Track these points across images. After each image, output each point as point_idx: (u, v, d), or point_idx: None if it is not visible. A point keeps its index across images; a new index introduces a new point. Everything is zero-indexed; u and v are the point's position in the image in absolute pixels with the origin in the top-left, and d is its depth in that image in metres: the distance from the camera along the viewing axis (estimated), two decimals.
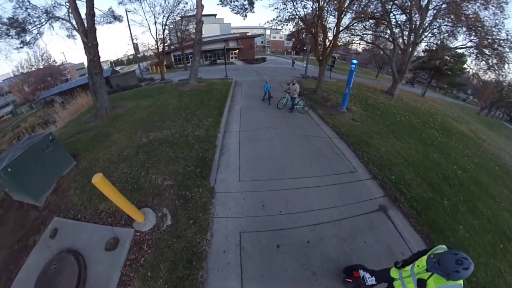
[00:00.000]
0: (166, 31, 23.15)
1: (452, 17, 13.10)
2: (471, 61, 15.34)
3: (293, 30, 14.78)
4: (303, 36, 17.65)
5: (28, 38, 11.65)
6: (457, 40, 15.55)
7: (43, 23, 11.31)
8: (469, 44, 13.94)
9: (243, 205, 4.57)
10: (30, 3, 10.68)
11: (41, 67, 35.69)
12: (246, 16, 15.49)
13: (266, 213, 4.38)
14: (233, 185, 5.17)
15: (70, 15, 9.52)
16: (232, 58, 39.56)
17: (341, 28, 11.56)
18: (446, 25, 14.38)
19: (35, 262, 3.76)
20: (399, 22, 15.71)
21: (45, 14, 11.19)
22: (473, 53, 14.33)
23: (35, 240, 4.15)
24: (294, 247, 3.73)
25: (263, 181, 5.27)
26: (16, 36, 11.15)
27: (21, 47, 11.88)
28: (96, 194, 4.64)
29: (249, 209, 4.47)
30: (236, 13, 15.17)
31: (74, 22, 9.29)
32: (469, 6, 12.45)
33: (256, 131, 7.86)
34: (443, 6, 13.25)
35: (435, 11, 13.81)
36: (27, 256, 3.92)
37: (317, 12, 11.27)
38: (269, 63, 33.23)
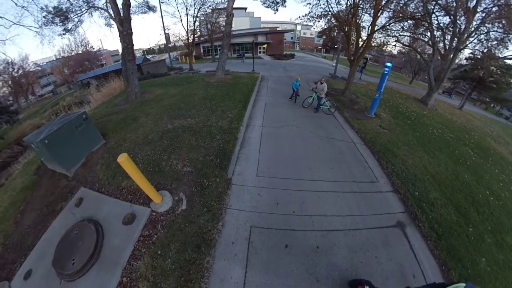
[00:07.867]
0: (197, 23, 23.66)
1: (503, 22, 11.51)
2: None
3: (325, 27, 14.17)
4: (335, 34, 16.93)
5: (70, 25, 12.68)
6: (507, 49, 13.76)
7: (84, 12, 12.21)
8: None
9: (257, 200, 4.57)
10: None
11: (80, 52, 38.73)
12: (277, 10, 15.29)
13: (279, 212, 4.34)
14: (250, 179, 5.19)
15: (108, 5, 10.07)
16: (260, 52, 39.39)
17: (376, 28, 10.85)
18: (496, 31, 12.67)
19: (60, 225, 4.14)
20: (441, 25, 14.17)
21: (85, 4, 12.03)
22: None
23: (62, 206, 4.57)
24: (302, 250, 3.66)
25: (280, 179, 5.22)
26: (60, 24, 12.17)
27: (63, 34, 12.96)
28: (119, 172, 4.93)
29: (263, 205, 4.46)
30: (267, 7, 15.06)
31: (111, 12, 9.82)
32: None
33: (278, 128, 7.79)
34: (494, 9, 11.70)
35: (484, 15, 12.23)
36: (54, 219, 4.33)
37: (352, 10, 10.73)
38: (298, 60, 32.56)
